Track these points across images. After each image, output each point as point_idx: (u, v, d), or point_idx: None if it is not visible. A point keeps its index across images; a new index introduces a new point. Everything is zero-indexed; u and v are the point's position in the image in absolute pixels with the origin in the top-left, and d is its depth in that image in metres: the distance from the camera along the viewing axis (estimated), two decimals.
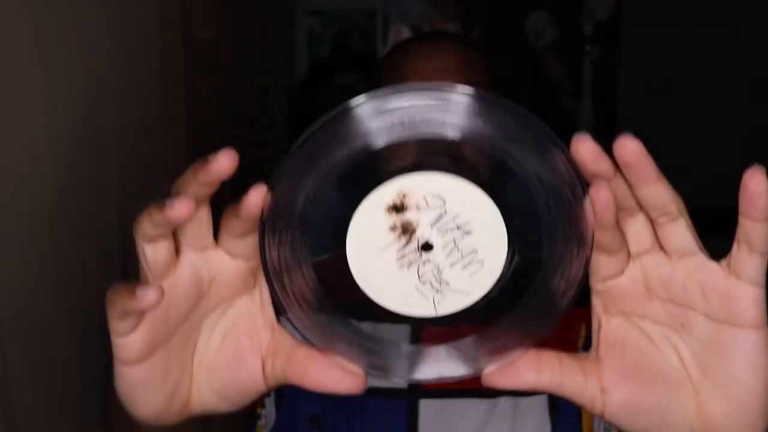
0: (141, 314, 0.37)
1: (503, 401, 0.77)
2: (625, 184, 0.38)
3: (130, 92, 0.95)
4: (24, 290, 0.72)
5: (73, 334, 0.81)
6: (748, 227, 0.38)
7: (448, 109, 0.36)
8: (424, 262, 0.38)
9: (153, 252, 0.39)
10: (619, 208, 0.38)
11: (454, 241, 0.37)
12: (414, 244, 0.38)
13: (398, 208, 0.37)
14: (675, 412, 0.40)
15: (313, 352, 0.41)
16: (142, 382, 0.39)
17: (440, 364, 0.41)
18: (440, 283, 0.38)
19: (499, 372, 0.40)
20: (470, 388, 0.78)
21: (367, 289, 0.39)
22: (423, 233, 0.37)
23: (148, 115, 1.02)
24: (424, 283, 0.38)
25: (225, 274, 0.41)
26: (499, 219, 0.37)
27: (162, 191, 1.08)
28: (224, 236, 0.40)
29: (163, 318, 0.39)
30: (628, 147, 0.36)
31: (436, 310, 0.39)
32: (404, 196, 0.37)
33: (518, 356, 0.40)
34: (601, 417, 0.41)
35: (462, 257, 0.38)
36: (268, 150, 1.70)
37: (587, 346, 0.75)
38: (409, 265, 0.38)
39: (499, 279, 0.38)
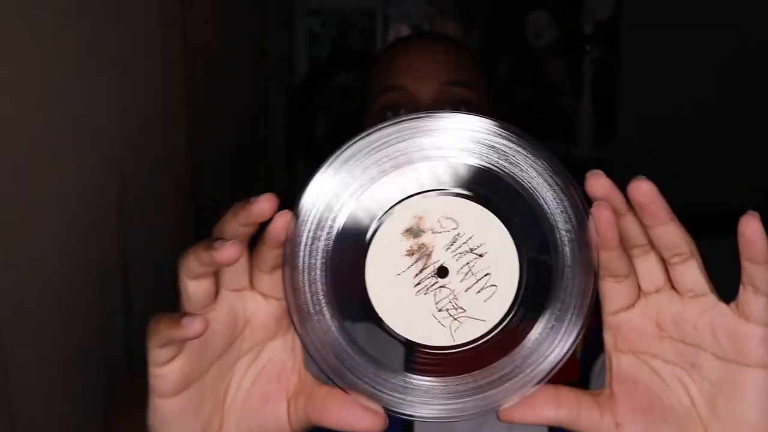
0: (181, 344, 0.38)
1: None
2: (637, 222, 0.39)
3: (130, 92, 0.95)
4: (24, 291, 0.72)
5: (73, 334, 0.81)
6: (750, 270, 0.39)
7: (464, 136, 0.37)
8: (440, 288, 0.38)
9: (195, 289, 0.40)
10: (631, 246, 0.40)
11: (468, 264, 0.38)
12: (430, 269, 0.38)
13: (414, 232, 0.38)
14: None
15: (334, 391, 0.41)
16: (175, 415, 0.40)
17: (455, 402, 0.41)
18: (456, 310, 0.39)
19: (517, 407, 0.41)
20: None
21: (386, 317, 0.40)
22: (438, 257, 0.38)
23: (148, 115, 1.02)
24: (440, 310, 0.39)
25: (260, 316, 0.42)
26: (509, 241, 0.38)
27: (162, 191, 1.08)
28: (256, 274, 0.41)
29: (200, 353, 0.40)
30: (642, 189, 0.38)
31: (453, 338, 0.39)
32: (420, 219, 0.38)
33: (533, 391, 0.41)
34: None
35: (476, 281, 0.38)
36: (268, 149, 1.70)
37: (581, 366, 0.75)
38: (426, 291, 0.39)
39: (512, 307, 0.39)
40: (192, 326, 0.37)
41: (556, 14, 2.60)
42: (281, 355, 0.43)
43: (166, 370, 0.39)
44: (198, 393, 0.40)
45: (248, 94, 1.56)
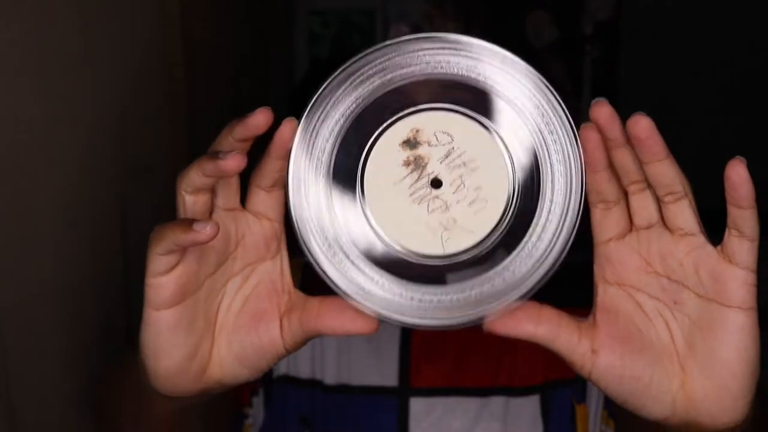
0: (182, 253, 0.40)
1: (495, 400, 0.77)
2: (634, 156, 0.40)
3: (130, 92, 0.95)
4: (24, 291, 0.72)
5: (73, 334, 0.81)
6: (735, 215, 0.41)
7: (465, 54, 0.40)
8: (433, 198, 0.40)
9: (194, 203, 0.41)
10: (628, 182, 0.41)
11: (461, 177, 0.40)
12: (425, 180, 0.40)
13: (411, 144, 0.40)
14: (659, 383, 0.42)
15: (327, 298, 0.42)
16: (169, 328, 0.41)
17: (440, 311, 0.42)
18: (448, 220, 0.40)
19: (499, 321, 0.42)
20: (461, 386, 0.78)
21: (380, 225, 0.41)
22: (433, 168, 0.40)
23: (148, 116, 1.02)
24: (433, 218, 0.40)
25: (252, 237, 0.43)
26: (502, 157, 0.40)
27: (162, 191, 1.08)
28: (254, 191, 0.43)
29: (195, 267, 0.41)
30: (641, 123, 0.39)
31: (443, 247, 0.41)
32: (417, 131, 0.40)
33: (516, 306, 0.42)
34: (588, 378, 0.43)
35: (467, 194, 0.40)
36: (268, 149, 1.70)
37: None
38: (420, 200, 0.40)
39: (500, 220, 0.40)
40: (205, 230, 0.38)
41: (556, 14, 2.61)
42: (272, 276, 0.44)
43: (164, 279, 0.40)
44: (191, 308, 0.41)
45: (248, 94, 1.56)
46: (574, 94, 2.61)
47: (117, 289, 0.91)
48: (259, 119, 0.40)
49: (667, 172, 0.41)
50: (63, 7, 0.77)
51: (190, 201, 0.41)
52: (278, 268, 0.45)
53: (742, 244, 0.41)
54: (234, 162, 0.39)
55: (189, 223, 0.38)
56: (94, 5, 0.84)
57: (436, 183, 0.40)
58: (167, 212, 1.18)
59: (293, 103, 2.35)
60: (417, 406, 0.79)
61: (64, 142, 0.78)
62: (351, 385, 0.80)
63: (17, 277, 0.71)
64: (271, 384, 0.80)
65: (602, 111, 0.40)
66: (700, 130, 2.66)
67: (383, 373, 0.80)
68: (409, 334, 0.81)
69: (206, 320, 0.43)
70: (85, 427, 0.83)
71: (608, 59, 2.61)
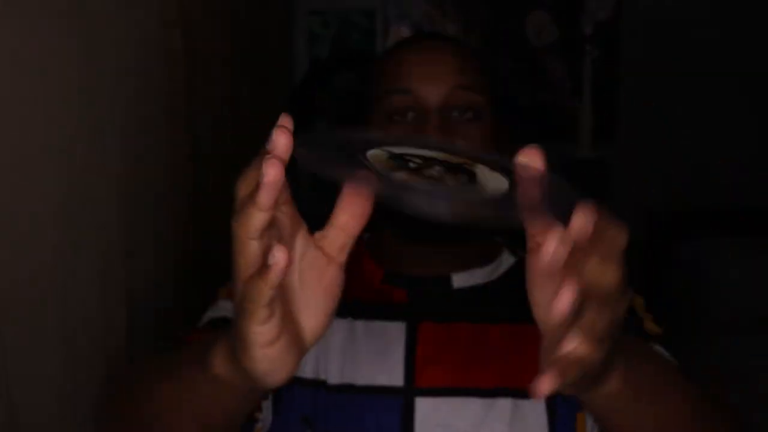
0: (275, 296, 0.42)
1: (501, 402, 0.77)
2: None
3: (131, 93, 0.95)
4: (25, 290, 0.72)
5: (73, 333, 0.81)
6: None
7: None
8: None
9: (258, 247, 0.43)
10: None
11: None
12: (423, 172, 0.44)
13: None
14: None
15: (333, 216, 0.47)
16: (279, 356, 0.45)
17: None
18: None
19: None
20: (467, 387, 0.78)
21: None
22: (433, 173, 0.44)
23: (148, 115, 1.02)
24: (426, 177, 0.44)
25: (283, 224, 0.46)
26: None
27: (163, 190, 1.08)
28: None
29: (282, 297, 0.44)
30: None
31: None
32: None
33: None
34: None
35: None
36: None
37: None
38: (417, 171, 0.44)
39: None
40: (280, 259, 0.40)
41: (556, 14, 2.61)
42: (303, 243, 0.47)
43: (267, 326, 0.43)
44: (286, 332, 0.45)
45: (248, 93, 1.56)
46: (574, 94, 2.61)
47: (118, 289, 0.91)
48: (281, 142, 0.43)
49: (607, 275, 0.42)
50: (64, 7, 0.77)
51: (256, 245, 0.42)
52: (309, 242, 0.47)
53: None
54: (274, 169, 0.41)
55: (267, 270, 0.41)
56: (94, 8, 0.84)
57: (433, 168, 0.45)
58: (168, 211, 1.17)
59: (293, 103, 2.36)
60: (422, 406, 0.78)
61: (65, 142, 0.78)
62: (356, 384, 0.80)
63: (18, 276, 0.71)
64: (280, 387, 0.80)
65: (583, 222, 0.42)
66: (700, 130, 2.66)
67: (389, 372, 0.80)
68: (415, 334, 0.81)
69: (293, 322, 0.46)
70: (85, 426, 0.83)
71: (608, 59, 2.61)
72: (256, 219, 0.41)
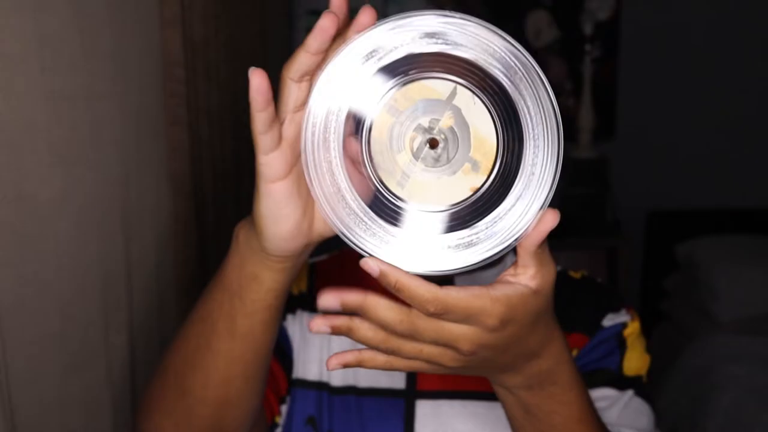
0: (280, 137, 0.49)
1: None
2: None
3: (130, 92, 0.95)
4: (26, 290, 0.73)
5: (74, 333, 0.81)
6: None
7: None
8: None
9: (298, 89, 0.49)
10: None
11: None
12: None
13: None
14: None
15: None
16: (284, 196, 0.50)
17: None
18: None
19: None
20: (468, 390, 0.78)
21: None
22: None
23: (149, 115, 1.02)
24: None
25: None
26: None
27: (163, 190, 1.07)
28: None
29: (292, 146, 0.49)
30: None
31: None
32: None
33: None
34: None
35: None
36: None
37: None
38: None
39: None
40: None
41: (556, 14, 2.61)
42: None
43: (272, 156, 0.49)
44: (296, 177, 0.50)
45: (248, 93, 1.56)
46: (574, 93, 2.61)
47: (119, 289, 0.91)
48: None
49: None
50: (65, 7, 0.77)
51: (294, 88, 0.48)
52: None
53: None
54: (329, 18, 0.45)
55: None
56: (94, 6, 0.84)
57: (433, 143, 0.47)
58: (168, 211, 1.17)
59: None
60: (423, 408, 0.79)
61: (65, 142, 0.78)
62: (358, 387, 0.80)
63: (19, 276, 0.71)
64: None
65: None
66: (699, 130, 2.67)
67: (391, 375, 0.80)
68: None
69: (306, 187, 0.50)
70: (87, 426, 0.83)
71: (608, 59, 2.61)
72: (299, 60, 0.47)
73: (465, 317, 0.47)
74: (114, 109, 0.90)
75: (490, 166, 0.47)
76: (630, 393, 0.76)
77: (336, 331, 0.49)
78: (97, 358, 0.86)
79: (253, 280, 0.56)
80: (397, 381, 0.80)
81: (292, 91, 0.49)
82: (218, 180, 1.27)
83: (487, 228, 0.47)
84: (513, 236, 0.47)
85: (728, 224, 2.56)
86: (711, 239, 2.44)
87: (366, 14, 0.46)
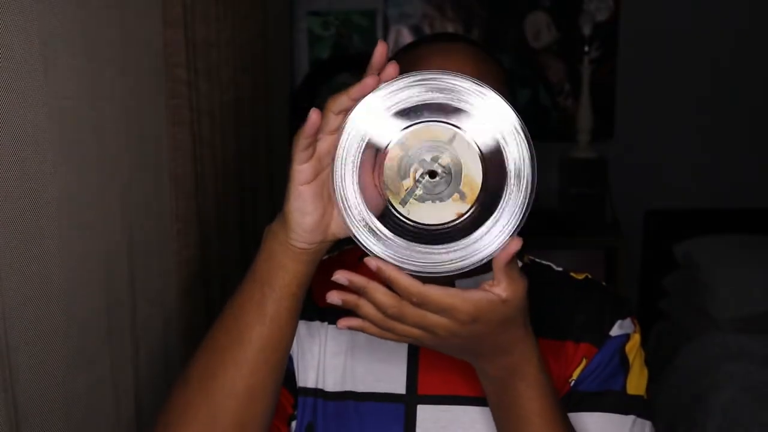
0: (314, 142, 0.62)
1: None
2: None
3: (133, 92, 0.95)
4: (29, 289, 0.73)
5: (78, 332, 0.82)
6: None
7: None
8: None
9: (335, 120, 0.62)
10: None
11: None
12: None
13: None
14: None
15: None
16: (310, 196, 0.63)
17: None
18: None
19: None
20: (469, 396, 0.79)
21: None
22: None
23: (151, 116, 1.03)
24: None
25: None
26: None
27: (164, 190, 1.08)
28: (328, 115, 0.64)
29: (320, 158, 0.62)
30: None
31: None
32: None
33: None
34: None
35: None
36: (269, 149, 1.71)
37: (583, 378, 0.77)
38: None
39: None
40: (311, 119, 0.61)
41: (555, 15, 2.61)
42: None
43: (305, 166, 0.62)
44: (320, 183, 0.63)
45: (248, 94, 1.57)
46: (573, 94, 2.61)
47: (121, 289, 0.92)
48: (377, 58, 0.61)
49: None
50: (68, 8, 0.78)
51: (333, 118, 0.61)
52: None
53: None
54: (373, 79, 0.60)
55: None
56: (97, 7, 0.85)
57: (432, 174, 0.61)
58: (170, 210, 1.17)
59: (294, 104, 2.36)
60: (423, 413, 0.79)
61: (68, 141, 0.79)
62: (357, 391, 0.81)
63: (22, 275, 0.72)
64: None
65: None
66: (697, 130, 2.67)
67: (391, 380, 0.80)
68: (415, 354, 0.81)
69: (328, 193, 0.64)
70: (90, 424, 0.84)
71: (607, 60, 2.62)
72: (342, 101, 0.60)
73: (440, 310, 0.60)
74: (117, 110, 0.90)
75: (474, 199, 0.60)
76: (632, 418, 0.77)
77: (345, 304, 0.63)
78: (100, 356, 0.87)
79: (281, 268, 0.67)
80: (397, 386, 0.80)
81: (330, 120, 0.62)
82: (220, 180, 1.28)
83: (466, 246, 0.60)
84: (485, 253, 0.60)
85: (726, 224, 2.56)
86: (709, 239, 2.44)
87: (391, 68, 0.60)
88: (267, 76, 1.76)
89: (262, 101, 1.68)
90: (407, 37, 2.55)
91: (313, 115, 0.61)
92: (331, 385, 0.81)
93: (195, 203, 1.15)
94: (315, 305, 0.82)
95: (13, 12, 0.68)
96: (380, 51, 0.61)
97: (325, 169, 0.64)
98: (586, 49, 2.49)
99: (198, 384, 0.68)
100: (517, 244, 0.59)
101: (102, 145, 0.86)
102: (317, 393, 0.81)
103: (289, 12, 2.40)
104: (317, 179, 0.63)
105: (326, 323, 0.83)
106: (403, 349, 0.81)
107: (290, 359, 0.82)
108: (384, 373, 0.81)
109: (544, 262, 0.89)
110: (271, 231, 0.67)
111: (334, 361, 0.82)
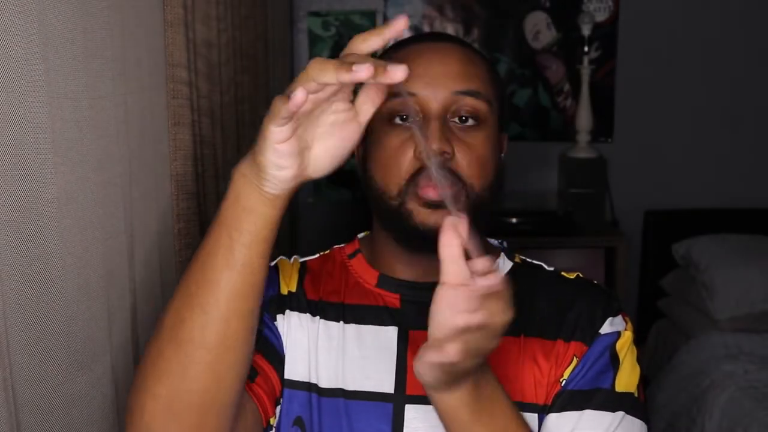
0: (291, 115, 0.59)
1: None
2: None
3: (133, 93, 0.95)
4: (29, 289, 0.73)
5: (78, 332, 0.82)
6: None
7: None
8: None
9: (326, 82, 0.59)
10: None
11: None
12: None
13: None
14: None
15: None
16: (288, 152, 0.62)
17: None
18: None
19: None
20: None
21: None
22: None
23: (151, 116, 1.03)
24: None
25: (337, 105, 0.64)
26: None
27: (165, 191, 1.08)
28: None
29: (297, 118, 0.61)
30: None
31: None
32: None
33: None
34: None
35: None
36: None
37: (573, 377, 0.77)
38: None
39: None
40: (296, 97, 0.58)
41: (555, 16, 2.62)
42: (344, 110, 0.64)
43: (285, 127, 0.60)
44: (296, 140, 0.62)
45: (249, 94, 1.57)
46: (573, 94, 2.62)
47: (122, 290, 0.92)
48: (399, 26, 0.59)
49: None
50: (69, 8, 0.78)
51: (313, 87, 0.58)
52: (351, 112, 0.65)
53: None
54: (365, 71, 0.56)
55: (286, 97, 0.59)
56: (97, 6, 0.85)
57: None
58: (170, 211, 1.17)
59: None
60: (411, 413, 0.79)
61: (68, 142, 0.79)
62: (346, 389, 0.80)
63: (22, 275, 0.72)
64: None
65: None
66: (696, 130, 2.67)
67: (379, 379, 0.80)
68: (406, 341, 0.82)
69: (305, 142, 0.63)
70: (90, 425, 0.84)
71: (606, 60, 2.62)
72: (329, 74, 0.57)
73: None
74: (117, 110, 0.90)
75: None
76: (620, 415, 0.76)
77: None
78: (101, 357, 0.87)
79: (250, 212, 0.65)
80: (385, 385, 0.80)
81: (312, 87, 0.59)
82: (220, 180, 1.28)
83: None
84: None
85: (725, 223, 2.56)
86: (708, 238, 2.45)
87: (400, 71, 0.58)
88: (267, 76, 1.76)
89: (262, 101, 1.68)
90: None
91: (301, 96, 0.58)
92: (325, 381, 0.81)
93: (195, 203, 1.15)
94: (307, 299, 0.83)
95: (13, 12, 0.68)
96: (401, 23, 0.59)
97: (302, 124, 0.62)
98: (586, 49, 2.50)
99: (169, 333, 0.67)
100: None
101: (102, 145, 0.86)
102: (311, 387, 0.81)
103: (289, 12, 2.40)
104: (293, 136, 0.62)
105: (318, 317, 0.83)
106: (392, 348, 0.82)
107: (281, 344, 0.82)
108: (372, 371, 0.81)
109: (535, 261, 0.89)
110: (242, 174, 0.65)
111: (326, 356, 0.82)
